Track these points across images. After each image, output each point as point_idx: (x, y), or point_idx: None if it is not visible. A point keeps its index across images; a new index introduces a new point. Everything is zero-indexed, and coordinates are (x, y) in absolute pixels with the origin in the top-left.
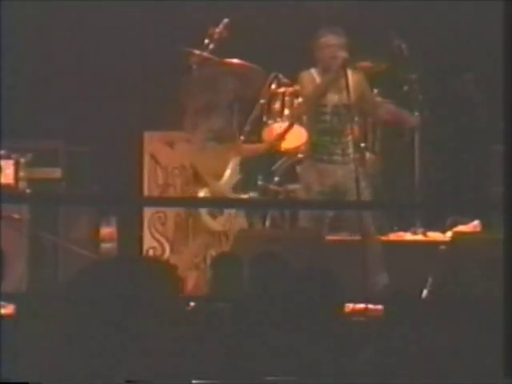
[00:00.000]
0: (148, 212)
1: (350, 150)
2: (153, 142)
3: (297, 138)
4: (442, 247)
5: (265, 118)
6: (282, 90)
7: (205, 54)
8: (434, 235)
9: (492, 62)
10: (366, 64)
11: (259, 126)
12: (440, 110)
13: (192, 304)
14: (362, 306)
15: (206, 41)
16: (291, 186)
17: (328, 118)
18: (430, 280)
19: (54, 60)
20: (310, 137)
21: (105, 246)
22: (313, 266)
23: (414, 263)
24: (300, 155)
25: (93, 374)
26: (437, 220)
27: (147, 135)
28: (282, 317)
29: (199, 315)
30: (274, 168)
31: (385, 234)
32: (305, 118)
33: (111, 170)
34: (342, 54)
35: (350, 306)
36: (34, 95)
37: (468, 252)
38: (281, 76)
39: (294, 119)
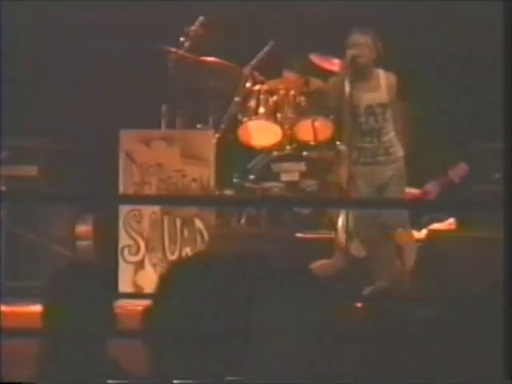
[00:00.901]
0: (123, 210)
1: (394, 149)
2: (128, 140)
3: (272, 135)
4: (419, 245)
5: (240, 116)
6: (257, 87)
7: (181, 52)
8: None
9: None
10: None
11: (234, 123)
12: (417, 108)
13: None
14: (345, 304)
15: (182, 39)
16: (267, 184)
17: (363, 118)
18: (408, 278)
19: (30, 59)
20: (350, 140)
21: (81, 243)
22: (291, 264)
23: None
24: (276, 153)
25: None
26: (413, 218)
27: (123, 133)
28: (262, 316)
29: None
30: (249, 166)
31: None
32: (341, 121)
33: (87, 168)
34: (368, 53)
35: (333, 305)
36: (11, 94)
37: (444, 250)
38: (256, 74)
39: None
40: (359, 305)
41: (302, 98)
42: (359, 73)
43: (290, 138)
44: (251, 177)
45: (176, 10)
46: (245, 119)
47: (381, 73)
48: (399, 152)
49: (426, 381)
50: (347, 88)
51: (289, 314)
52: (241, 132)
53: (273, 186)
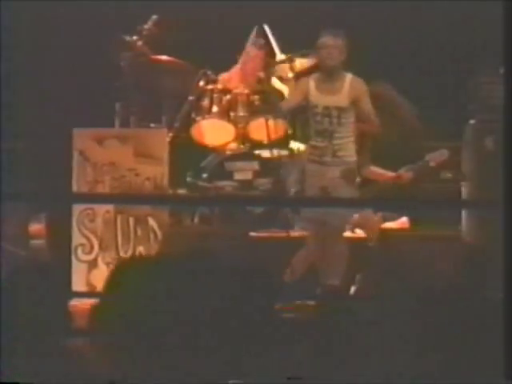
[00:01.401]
0: (77, 209)
1: (342, 153)
2: (82, 138)
3: (225, 134)
4: (371, 244)
5: (193, 115)
6: (210, 86)
7: (134, 50)
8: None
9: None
10: (297, 60)
11: (188, 122)
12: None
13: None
14: (292, 302)
15: (135, 38)
16: (220, 183)
17: (319, 118)
18: (358, 277)
19: None
20: (304, 137)
21: (34, 242)
22: (241, 263)
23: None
24: (229, 152)
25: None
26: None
27: (76, 132)
28: (211, 315)
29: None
30: (202, 164)
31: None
32: (300, 118)
33: (41, 167)
34: (337, 56)
35: (279, 303)
36: None
37: (396, 248)
38: (209, 73)
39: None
40: (309, 303)
41: (256, 97)
42: (326, 74)
43: (243, 136)
44: (204, 176)
45: (129, 8)
46: (198, 118)
47: (348, 77)
48: (349, 157)
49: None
50: (311, 87)
51: (234, 311)
52: (194, 131)
53: (226, 184)
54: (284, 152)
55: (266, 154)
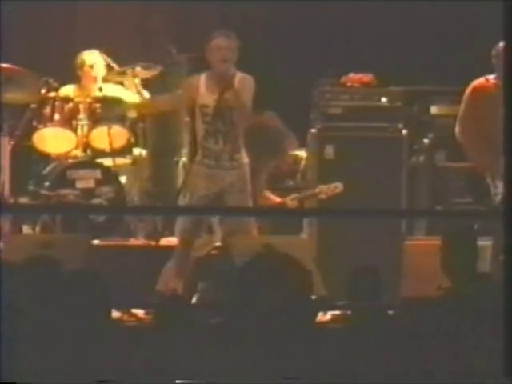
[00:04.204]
0: None
1: (239, 155)
2: None
3: (67, 142)
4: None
5: (35, 123)
6: (52, 94)
7: None
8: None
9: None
10: (138, 69)
11: (30, 130)
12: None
13: None
14: (133, 311)
15: None
16: (63, 191)
17: (210, 119)
18: (200, 285)
19: None
20: (196, 140)
21: None
22: (83, 270)
23: None
24: (71, 160)
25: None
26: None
27: None
28: (53, 319)
29: None
30: (44, 173)
31: (155, 238)
32: (188, 119)
33: None
34: (231, 57)
35: (121, 311)
36: None
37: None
38: (51, 81)
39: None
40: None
41: (98, 105)
42: (217, 74)
43: (85, 145)
44: (47, 184)
45: None
46: (40, 126)
47: (238, 75)
48: (244, 159)
49: None
50: (201, 87)
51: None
52: (36, 139)
53: (68, 193)
54: (127, 160)
55: (108, 162)
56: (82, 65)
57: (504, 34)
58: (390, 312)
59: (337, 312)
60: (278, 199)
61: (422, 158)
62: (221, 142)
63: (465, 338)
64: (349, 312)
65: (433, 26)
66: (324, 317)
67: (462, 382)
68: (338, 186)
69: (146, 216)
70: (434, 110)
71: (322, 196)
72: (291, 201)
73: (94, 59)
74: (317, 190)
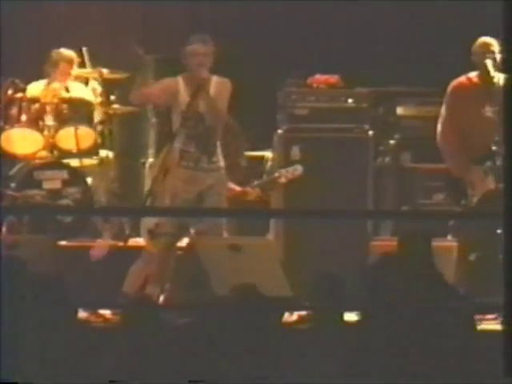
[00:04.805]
0: None
1: (216, 158)
2: None
3: (34, 143)
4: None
5: (2, 123)
6: (19, 95)
7: None
8: None
9: None
10: (105, 72)
11: None
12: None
13: None
14: (100, 311)
15: None
16: (30, 192)
17: (192, 123)
18: (166, 285)
19: None
20: (172, 142)
21: None
22: (47, 272)
23: None
24: (38, 160)
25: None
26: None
27: None
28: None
29: None
30: (11, 173)
31: (122, 239)
32: (157, 120)
33: None
34: (208, 62)
35: (88, 311)
36: None
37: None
38: (17, 81)
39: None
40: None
41: (65, 106)
42: (195, 79)
43: (52, 145)
44: (13, 185)
45: None
46: (7, 127)
47: (214, 79)
48: (221, 162)
49: None
50: (181, 90)
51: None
52: (3, 140)
53: (35, 193)
54: (94, 160)
55: (75, 162)
56: (51, 62)
57: (504, 34)
58: (356, 312)
59: (302, 313)
60: (238, 188)
61: (387, 159)
62: (199, 145)
63: (431, 338)
64: (314, 313)
65: (398, 27)
66: (290, 317)
67: (462, 381)
68: (297, 169)
69: (112, 217)
70: (400, 111)
71: (283, 180)
72: (252, 188)
73: (63, 57)
74: (276, 174)
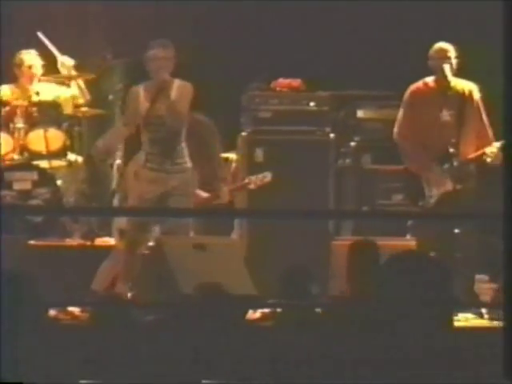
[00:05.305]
0: None
1: (181, 160)
2: None
3: (4, 145)
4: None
5: None
6: None
7: None
8: None
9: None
10: (73, 73)
11: None
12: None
13: None
14: (69, 309)
15: None
16: (0, 192)
17: (153, 128)
18: (135, 283)
19: None
20: (143, 146)
21: None
22: (16, 271)
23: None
24: (8, 162)
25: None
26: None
27: None
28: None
29: None
30: None
31: (91, 239)
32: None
33: None
34: (169, 66)
35: (57, 309)
36: None
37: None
38: None
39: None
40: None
41: (34, 109)
42: (156, 83)
43: (22, 147)
44: None
45: None
46: None
47: (175, 83)
48: (187, 163)
49: None
50: (141, 97)
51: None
52: None
53: (6, 194)
54: (63, 162)
55: (44, 164)
56: (20, 64)
57: (504, 34)
58: (319, 310)
59: (266, 310)
60: (206, 194)
61: (348, 161)
62: (163, 147)
63: (397, 335)
64: (278, 310)
65: (360, 30)
66: (254, 315)
67: (462, 382)
68: (266, 176)
69: (81, 217)
70: (360, 114)
71: (252, 186)
72: (222, 194)
73: (32, 59)
74: (246, 180)
